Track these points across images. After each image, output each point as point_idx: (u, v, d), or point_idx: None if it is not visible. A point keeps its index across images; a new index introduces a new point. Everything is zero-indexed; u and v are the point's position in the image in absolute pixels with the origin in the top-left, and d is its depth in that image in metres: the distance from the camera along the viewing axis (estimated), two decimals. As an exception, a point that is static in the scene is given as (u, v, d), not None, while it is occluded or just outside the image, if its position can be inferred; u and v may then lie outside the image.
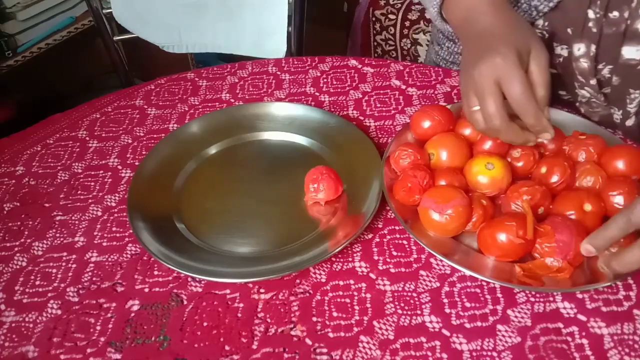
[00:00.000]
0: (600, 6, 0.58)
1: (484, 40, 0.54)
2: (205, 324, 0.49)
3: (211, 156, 0.68)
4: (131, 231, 0.57)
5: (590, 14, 0.59)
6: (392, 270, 0.52)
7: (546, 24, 0.65)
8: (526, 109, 0.50)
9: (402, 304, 0.49)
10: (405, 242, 0.55)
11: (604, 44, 0.60)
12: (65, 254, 0.57)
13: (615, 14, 0.58)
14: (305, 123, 0.69)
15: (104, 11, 1.07)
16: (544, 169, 0.56)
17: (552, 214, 0.52)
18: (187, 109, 0.75)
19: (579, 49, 0.61)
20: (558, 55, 0.66)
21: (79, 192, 0.64)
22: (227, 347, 0.47)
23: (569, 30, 0.62)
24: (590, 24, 0.60)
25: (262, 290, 0.52)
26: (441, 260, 0.52)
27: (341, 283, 0.52)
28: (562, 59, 0.65)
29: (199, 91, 0.78)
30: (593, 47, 0.61)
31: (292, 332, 0.48)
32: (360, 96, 0.75)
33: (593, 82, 0.63)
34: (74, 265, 0.55)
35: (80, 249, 0.57)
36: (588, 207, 0.51)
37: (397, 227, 0.57)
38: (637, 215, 0.45)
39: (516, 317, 0.48)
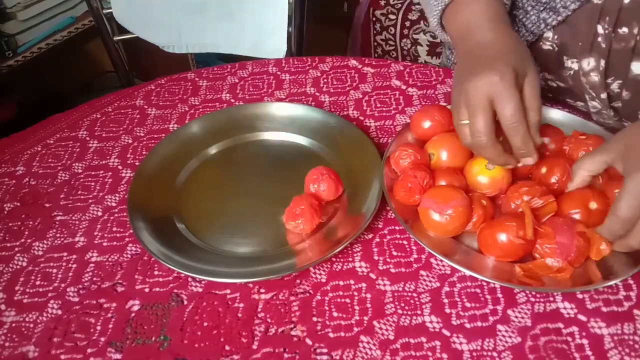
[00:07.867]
0: (609, 22, 0.58)
1: (482, 55, 0.53)
2: (205, 324, 0.49)
3: (211, 156, 0.68)
4: (131, 231, 0.57)
5: (600, 29, 0.59)
6: (392, 270, 0.52)
7: (556, 37, 0.64)
8: (517, 130, 0.50)
9: (402, 304, 0.49)
10: (405, 242, 0.55)
11: (613, 59, 0.60)
12: (65, 254, 0.57)
13: (625, 30, 0.58)
14: (305, 123, 0.69)
15: (104, 11, 1.07)
16: (544, 169, 0.56)
17: (554, 214, 0.52)
18: (187, 109, 0.75)
19: (589, 63, 0.61)
20: (568, 68, 0.66)
21: (79, 192, 0.64)
22: (227, 347, 0.47)
23: (578, 44, 0.62)
24: (600, 39, 0.59)
25: (262, 290, 0.52)
26: (441, 261, 0.52)
27: (341, 283, 0.52)
28: (572, 72, 0.65)
29: (199, 91, 0.78)
30: (602, 62, 0.60)
31: (292, 332, 0.48)
32: (361, 96, 0.75)
33: (604, 96, 0.63)
34: (74, 265, 0.55)
35: (81, 249, 0.57)
36: (593, 205, 0.51)
37: (397, 227, 0.57)
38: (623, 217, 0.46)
39: (516, 317, 0.48)
